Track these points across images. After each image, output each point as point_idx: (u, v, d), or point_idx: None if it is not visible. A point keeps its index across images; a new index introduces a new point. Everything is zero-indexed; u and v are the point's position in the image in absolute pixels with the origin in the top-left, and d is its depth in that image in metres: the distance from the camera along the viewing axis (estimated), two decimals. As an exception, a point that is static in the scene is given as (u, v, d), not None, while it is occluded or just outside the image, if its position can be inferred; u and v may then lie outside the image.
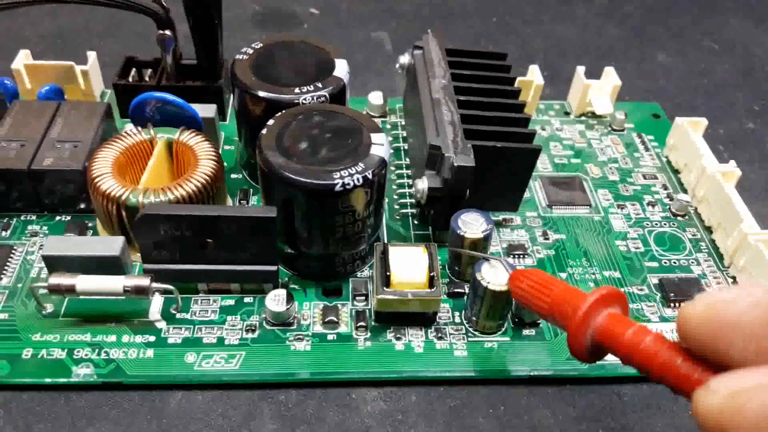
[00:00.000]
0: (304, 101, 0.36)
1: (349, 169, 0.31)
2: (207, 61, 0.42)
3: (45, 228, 0.37)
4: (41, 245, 0.36)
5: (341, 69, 0.38)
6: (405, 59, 0.43)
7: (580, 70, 0.47)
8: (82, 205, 0.37)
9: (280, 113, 0.34)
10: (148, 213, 0.31)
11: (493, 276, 0.32)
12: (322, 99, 0.36)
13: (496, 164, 0.35)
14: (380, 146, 0.33)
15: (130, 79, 0.42)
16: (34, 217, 0.37)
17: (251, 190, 0.40)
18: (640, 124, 0.48)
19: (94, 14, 0.56)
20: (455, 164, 0.34)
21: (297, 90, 0.36)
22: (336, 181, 0.31)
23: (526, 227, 0.40)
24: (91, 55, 0.44)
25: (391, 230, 0.39)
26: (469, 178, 0.34)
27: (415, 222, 0.39)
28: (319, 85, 0.37)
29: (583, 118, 0.48)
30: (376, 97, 0.45)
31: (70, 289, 0.31)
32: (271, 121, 0.34)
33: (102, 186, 0.33)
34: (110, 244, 0.33)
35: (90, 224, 0.37)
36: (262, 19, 0.57)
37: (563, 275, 0.37)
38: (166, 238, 0.32)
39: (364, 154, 0.32)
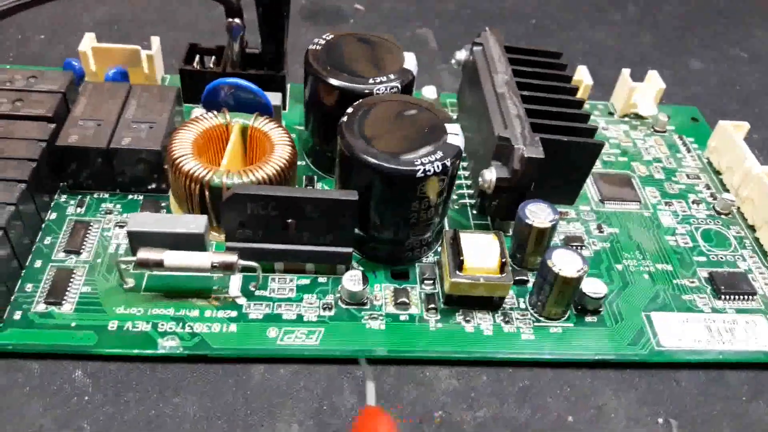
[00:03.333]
0: (377, 91, 0.37)
1: (429, 157, 0.33)
2: (272, 51, 0.43)
3: (119, 206, 0.38)
4: (117, 222, 0.37)
5: (410, 62, 0.39)
6: (462, 55, 0.45)
7: (626, 72, 0.49)
8: (153, 185, 0.38)
9: (357, 102, 0.36)
10: (237, 192, 0.32)
11: (564, 263, 0.33)
12: (395, 89, 0.38)
13: (559, 158, 0.37)
14: (456, 136, 0.34)
15: (198, 65, 0.44)
16: (106, 195, 0.38)
17: (315, 177, 0.42)
18: (679, 127, 0.50)
19: (144, 2, 0.57)
20: (525, 156, 0.35)
21: (371, 80, 0.37)
22: (417, 168, 0.32)
23: (581, 220, 0.41)
24: (155, 40, 0.45)
25: (451, 219, 0.40)
26: (537, 169, 0.35)
27: (474, 212, 0.41)
28: (392, 76, 0.38)
29: (626, 118, 0.50)
30: (429, 91, 0.46)
31: (158, 264, 0.32)
32: (349, 109, 0.35)
33: (185, 166, 0.34)
34: (195, 222, 0.34)
35: (163, 204, 0.38)
36: (310, 13, 0.58)
37: (619, 267, 0.38)
38: (252, 217, 0.33)
39: (441, 142, 0.34)
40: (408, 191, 0.33)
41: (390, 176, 0.32)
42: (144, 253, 0.32)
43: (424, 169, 0.32)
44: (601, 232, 0.41)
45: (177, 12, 0.56)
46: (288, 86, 0.46)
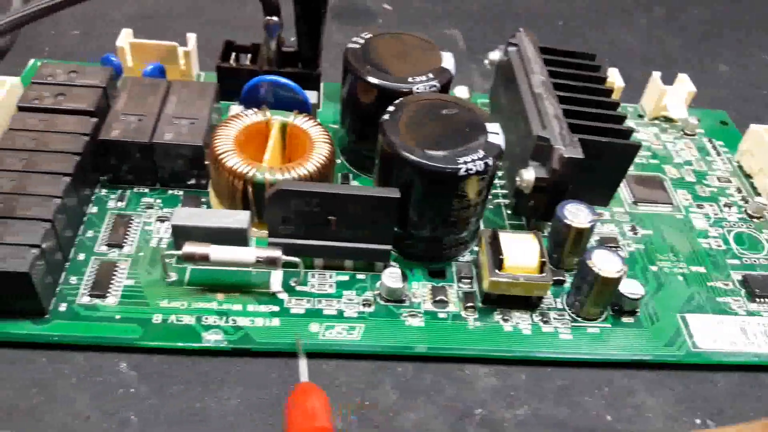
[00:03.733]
0: (417, 90, 0.37)
1: (471, 155, 0.33)
2: (308, 49, 0.43)
3: (159, 201, 0.38)
4: (158, 216, 0.37)
5: (448, 61, 0.40)
6: (495, 55, 0.45)
7: (657, 75, 0.49)
8: (192, 180, 0.39)
9: (398, 101, 0.36)
10: (282, 188, 0.32)
11: (604, 264, 0.33)
12: (434, 89, 0.38)
13: (596, 158, 0.37)
14: (496, 135, 0.35)
15: (234, 63, 0.44)
16: (146, 190, 0.39)
17: (350, 174, 0.42)
18: (709, 130, 0.50)
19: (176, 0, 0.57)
20: (565, 156, 0.35)
21: (410, 79, 0.38)
22: (460, 166, 0.33)
23: (615, 222, 0.41)
24: (192, 37, 0.45)
25: (486, 219, 0.40)
26: (576, 169, 0.36)
27: (508, 211, 0.41)
28: (431, 75, 0.38)
29: (656, 121, 0.50)
30: (462, 91, 0.47)
31: (204, 258, 0.32)
32: (391, 108, 0.35)
33: (228, 162, 0.35)
34: (238, 217, 0.34)
35: (203, 199, 0.38)
36: (339, 12, 0.58)
37: (653, 268, 0.39)
38: (295, 213, 0.33)
39: (483, 142, 0.34)
40: (449, 190, 0.33)
41: (432, 174, 0.33)
42: (190, 247, 0.32)
43: (467, 168, 0.33)
44: (635, 233, 0.41)
45: (208, 7, 0.57)
46: (321, 84, 0.46)
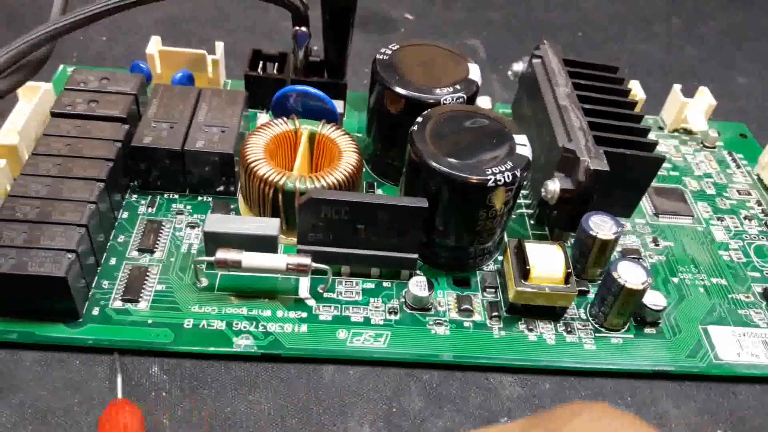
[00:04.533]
0: (444, 101, 0.38)
1: (499, 167, 0.34)
2: (335, 59, 0.44)
3: (189, 207, 0.39)
4: (188, 222, 0.38)
5: (475, 72, 0.40)
6: (519, 67, 0.45)
7: (677, 88, 0.50)
8: (221, 187, 0.39)
9: (426, 111, 0.36)
10: (314, 197, 0.33)
11: (629, 275, 0.34)
12: (461, 100, 0.38)
13: (619, 171, 0.37)
14: (524, 147, 0.35)
15: (261, 71, 0.45)
16: (176, 196, 0.39)
17: (375, 182, 0.42)
18: (729, 143, 0.50)
19: (201, 4, 0.58)
20: (591, 168, 0.36)
21: (437, 90, 0.38)
22: (488, 177, 0.33)
23: (637, 233, 0.42)
24: (219, 45, 0.46)
25: (510, 228, 0.41)
26: (602, 181, 0.36)
27: (531, 221, 0.41)
28: (458, 86, 0.39)
29: (675, 133, 0.50)
30: (484, 101, 0.47)
31: (236, 264, 0.33)
32: (419, 118, 0.36)
33: (259, 171, 0.35)
34: (268, 225, 0.34)
35: (232, 205, 0.39)
36: (361, 21, 0.59)
37: (675, 280, 0.39)
38: (325, 221, 0.34)
39: (511, 153, 0.35)
40: (476, 200, 0.34)
41: (460, 185, 0.33)
42: (223, 254, 0.33)
43: (495, 179, 0.33)
44: (656, 245, 0.41)
45: (232, 14, 0.57)
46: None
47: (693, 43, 0.63)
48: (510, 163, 0.34)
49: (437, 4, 0.63)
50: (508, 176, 0.33)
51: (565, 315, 0.36)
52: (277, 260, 0.33)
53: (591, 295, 0.37)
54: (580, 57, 0.45)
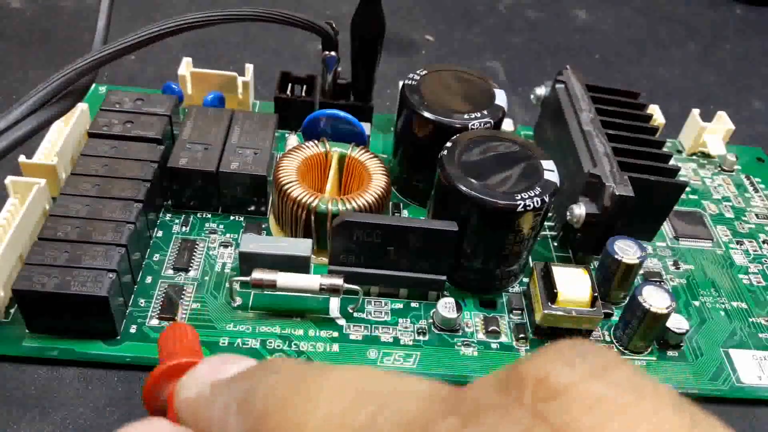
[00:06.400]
0: (472, 126, 0.39)
1: (528, 192, 0.34)
2: (363, 83, 0.45)
3: (221, 226, 0.40)
4: (222, 242, 0.39)
5: (501, 98, 0.41)
6: (542, 91, 0.46)
7: (695, 113, 0.51)
8: (252, 207, 0.40)
9: (454, 137, 0.37)
10: (347, 219, 0.34)
11: (654, 299, 0.35)
12: (488, 125, 0.39)
13: (642, 195, 0.38)
14: (551, 172, 0.36)
15: (289, 93, 0.46)
16: (209, 215, 0.40)
17: (401, 204, 0.43)
18: (746, 167, 0.51)
19: (228, 26, 0.59)
20: (616, 193, 0.36)
21: (465, 116, 0.39)
22: (518, 202, 0.34)
23: (658, 256, 0.42)
24: (249, 68, 0.47)
25: (534, 251, 0.42)
26: (627, 207, 0.37)
27: (554, 244, 0.42)
28: (485, 112, 0.40)
29: (693, 157, 0.51)
30: (507, 124, 0.48)
31: (271, 285, 0.34)
32: (448, 144, 0.37)
33: (293, 193, 0.36)
34: (301, 245, 0.35)
35: (263, 225, 0.40)
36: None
37: (696, 303, 0.40)
38: (357, 243, 0.35)
39: (539, 178, 0.35)
40: (505, 225, 0.35)
41: (490, 209, 0.34)
42: (259, 274, 0.34)
43: (524, 204, 0.34)
44: (677, 268, 0.42)
45: (259, 36, 0.59)
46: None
47: (709, 68, 0.64)
48: (538, 189, 0.35)
49: (458, 26, 0.64)
50: (536, 201, 0.34)
51: (590, 337, 0.37)
52: (311, 281, 0.34)
53: (615, 318, 0.38)
54: (598, 80, 0.46)
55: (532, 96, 0.47)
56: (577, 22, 0.68)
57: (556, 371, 0.14)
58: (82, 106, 0.42)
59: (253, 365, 0.19)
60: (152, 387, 0.23)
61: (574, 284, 0.36)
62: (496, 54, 0.61)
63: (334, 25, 0.42)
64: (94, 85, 0.49)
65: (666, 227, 0.45)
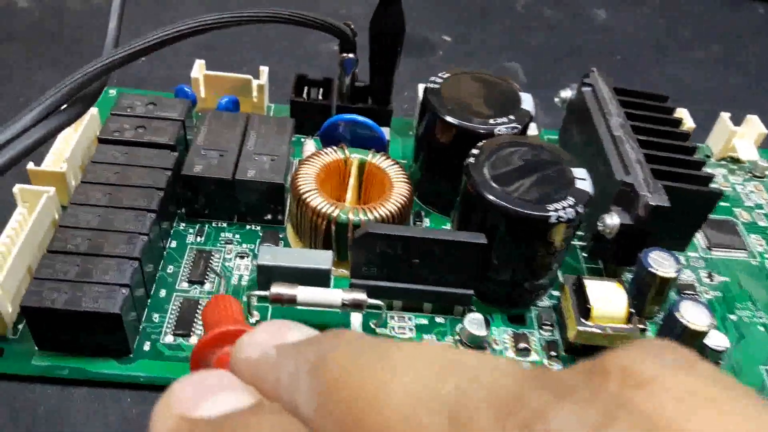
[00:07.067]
0: (498, 132, 0.37)
1: (561, 203, 0.33)
2: (382, 86, 0.43)
3: (237, 236, 0.38)
4: (238, 253, 0.37)
5: (528, 102, 0.39)
6: (567, 93, 0.45)
7: (725, 116, 0.49)
8: (269, 216, 0.39)
9: (481, 143, 0.36)
10: (370, 231, 0.32)
11: (692, 316, 0.33)
12: (515, 130, 0.38)
13: (677, 205, 0.36)
14: (584, 181, 0.34)
15: (305, 97, 0.44)
16: (224, 225, 0.39)
17: (422, 212, 0.42)
18: (777, 172, 0.49)
19: (240, 26, 0.58)
20: (651, 204, 0.35)
21: (492, 121, 0.38)
22: (550, 213, 0.32)
23: (691, 267, 0.41)
24: (264, 70, 0.45)
25: (563, 262, 0.40)
26: (662, 217, 0.35)
27: (584, 255, 0.41)
28: (512, 117, 0.38)
29: (722, 162, 0.49)
30: (530, 128, 0.46)
31: (291, 300, 0.32)
32: (474, 150, 0.35)
33: (312, 202, 0.35)
34: (321, 258, 0.34)
35: (281, 235, 0.38)
36: (399, 43, 0.58)
37: (733, 317, 0.38)
38: (380, 255, 0.33)
39: (571, 187, 0.34)
40: (537, 237, 0.33)
41: (520, 221, 0.32)
42: (278, 288, 0.32)
43: (558, 216, 0.32)
44: (711, 280, 0.40)
45: (271, 37, 0.57)
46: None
47: (733, 69, 0.62)
48: (572, 199, 0.33)
49: (474, 26, 0.62)
50: (570, 213, 0.32)
51: (624, 354, 0.35)
52: (333, 296, 0.32)
53: (649, 333, 0.36)
54: (619, 82, 0.44)
55: (556, 99, 0.45)
56: (596, 21, 0.66)
57: (643, 362, 0.14)
58: (92, 111, 0.40)
59: (319, 333, 0.18)
60: (200, 351, 0.23)
61: (608, 299, 0.34)
62: (514, 54, 0.59)
63: (352, 26, 0.41)
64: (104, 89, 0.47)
65: (698, 236, 0.43)
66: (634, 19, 0.67)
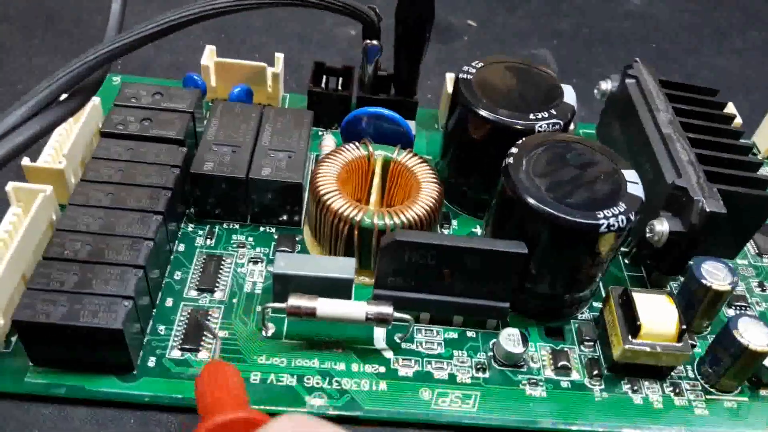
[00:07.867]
0: (539, 128, 0.34)
1: (612, 209, 0.30)
2: (407, 75, 0.40)
3: (251, 239, 0.35)
4: (251, 257, 0.34)
5: (570, 95, 0.36)
6: (607, 85, 0.41)
7: (773, 109, 0.45)
8: (284, 217, 0.36)
9: (520, 141, 0.32)
10: (399, 239, 0.29)
11: (752, 334, 0.30)
12: (557, 127, 0.34)
13: (732, 210, 0.33)
14: (635, 185, 0.31)
15: (323, 86, 0.41)
16: (236, 226, 0.36)
17: (449, 213, 0.38)
18: (827, 171, 0.46)
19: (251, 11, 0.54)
20: (707, 210, 0.32)
21: (531, 116, 0.34)
22: (601, 222, 0.29)
23: (741, 276, 0.38)
24: (280, 57, 0.42)
25: (601, 268, 0.37)
26: (716, 224, 0.32)
27: (626, 261, 0.37)
28: (553, 111, 0.35)
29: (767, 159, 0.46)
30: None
31: (310, 313, 0.29)
32: (514, 149, 0.32)
33: (333, 205, 0.32)
34: (343, 266, 0.31)
35: (297, 237, 0.35)
36: (421, 28, 0.55)
37: (788, 332, 0.35)
38: (407, 265, 0.30)
39: (622, 192, 0.31)
40: (584, 246, 0.30)
41: (567, 229, 0.29)
42: (296, 300, 0.29)
43: (608, 224, 0.29)
44: (763, 290, 0.37)
45: (284, 21, 0.53)
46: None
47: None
48: (623, 205, 0.30)
49: (501, 10, 0.59)
50: (621, 220, 0.29)
51: (671, 375, 0.32)
52: (356, 309, 0.29)
53: (698, 350, 0.33)
54: (658, 73, 0.41)
55: (596, 91, 0.42)
56: (627, 5, 0.62)
57: None
58: (93, 100, 0.37)
59: None
60: None
61: (658, 314, 0.31)
62: (542, 41, 0.56)
63: (377, 10, 0.37)
64: (107, 76, 0.44)
65: (747, 243, 0.39)
66: (666, 3, 0.63)
